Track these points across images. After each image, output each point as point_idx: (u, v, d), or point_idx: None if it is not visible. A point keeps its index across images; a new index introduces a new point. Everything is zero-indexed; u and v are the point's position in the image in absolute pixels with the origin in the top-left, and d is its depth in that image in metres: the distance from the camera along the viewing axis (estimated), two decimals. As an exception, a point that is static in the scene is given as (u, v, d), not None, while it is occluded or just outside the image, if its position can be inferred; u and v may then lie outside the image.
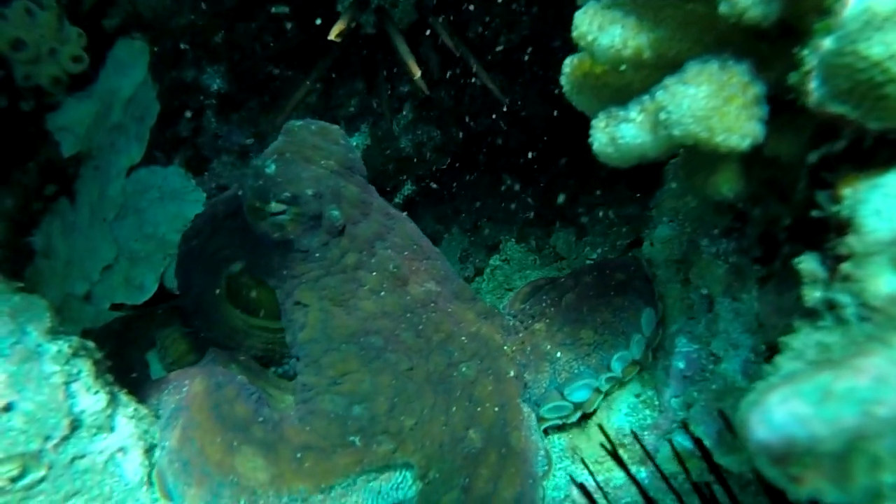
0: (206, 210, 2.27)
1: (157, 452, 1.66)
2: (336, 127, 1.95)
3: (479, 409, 1.71)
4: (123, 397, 1.71)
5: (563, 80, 1.34)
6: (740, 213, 1.64)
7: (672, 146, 1.13)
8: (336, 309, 1.78)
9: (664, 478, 1.38)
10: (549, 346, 1.84)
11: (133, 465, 1.56)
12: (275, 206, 1.72)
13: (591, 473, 1.68)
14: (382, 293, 1.81)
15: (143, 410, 1.73)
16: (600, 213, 4.93)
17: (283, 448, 1.60)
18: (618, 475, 1.79)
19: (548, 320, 1.89)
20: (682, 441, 1.71)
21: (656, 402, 1.85)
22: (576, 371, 1.83)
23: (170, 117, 2.96)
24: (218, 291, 2.05)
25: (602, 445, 1.52)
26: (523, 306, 2.03)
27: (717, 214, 1.71)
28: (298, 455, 1.59)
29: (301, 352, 1.82)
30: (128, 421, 1.62)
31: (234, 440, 1.57)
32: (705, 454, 1.34)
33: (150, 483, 1.60)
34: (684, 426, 1.55)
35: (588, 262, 4.10)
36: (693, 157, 1.26)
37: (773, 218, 1.42)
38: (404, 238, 2.03)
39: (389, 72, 3.25)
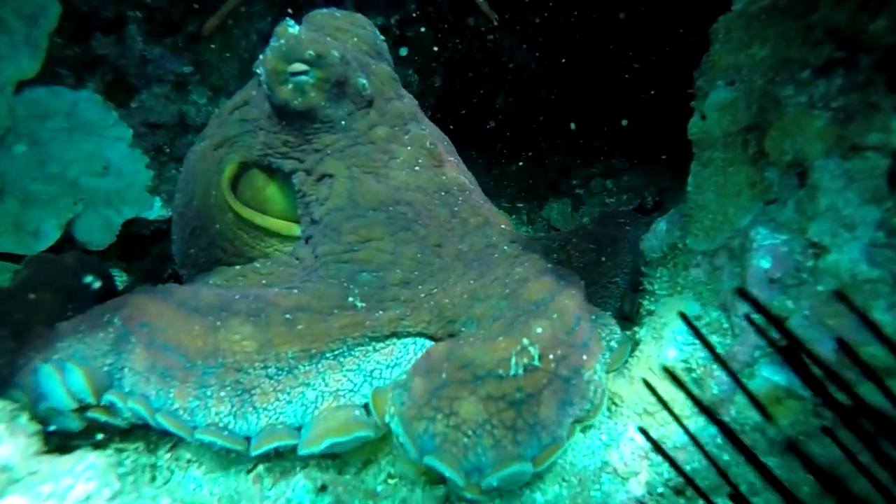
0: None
1: (114, 395, 1.35)
2: (361, 15, 1.85)
3: (523, 289, 1.38)
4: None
5: None
6: (846, 38, 1.12)
7: None
8: (366, 176, 1.60)
9: (740, 446, 0.81)
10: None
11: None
12: (297, 66, 1.57)
13: (644, 434, 1.12)
14: (417, 168, 1.64)
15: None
16: (597, 184, 4.56)
17: (273, 312, 1.39)
18: (676, 432, 1.24)
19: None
20: (771, 375, 1.17)
21: (725, 324, 1.30)
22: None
23: (80, 26, 2.38)
24: (215, 193, 1.74)
25: (648, 386, 0.96)
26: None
27: (808, 47, 1.18)
28: (288, 316, 1.38)
29: (320, 225, 1.60)
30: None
31: (216, 319, 1.38)
32: (816, 387, 0.78)
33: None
34: (788, 346, 0.92)
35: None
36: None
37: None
38: (437, 132, 1.82)
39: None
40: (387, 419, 1.28)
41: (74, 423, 1.35)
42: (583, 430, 1.35)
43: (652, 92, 4.13)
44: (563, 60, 4.21)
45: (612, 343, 1.45)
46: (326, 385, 1.35)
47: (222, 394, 1.33)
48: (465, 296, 1.43)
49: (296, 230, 1.72)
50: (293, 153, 1.68)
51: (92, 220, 2.39)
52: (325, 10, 1.82)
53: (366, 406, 1.35)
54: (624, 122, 4.12)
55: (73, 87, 2.35)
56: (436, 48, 3.63)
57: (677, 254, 1.52)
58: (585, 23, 3.97)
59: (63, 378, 1.34)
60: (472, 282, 1.44)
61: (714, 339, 1.29)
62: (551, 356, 1.24)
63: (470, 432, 1.20)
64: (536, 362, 1.22)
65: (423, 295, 1.44)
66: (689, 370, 1.29)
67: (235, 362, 1.33)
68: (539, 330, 1.26)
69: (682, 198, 1.69)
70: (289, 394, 1.33)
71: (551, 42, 3.97)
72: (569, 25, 4.02)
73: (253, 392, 1.33)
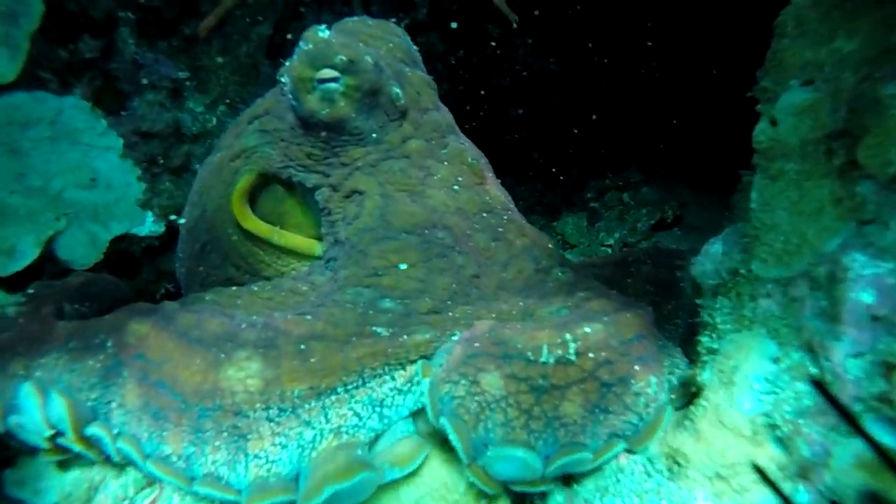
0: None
1: (102, 430, 1.27)
2: (394, 24, 1.77)
3: (587, 303, 1.34)
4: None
5: None
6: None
7: None
8: (400, 194, 1.48)
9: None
10: None
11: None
12: (326, 72, 1.45)
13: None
14: (457, 187, 1.52)
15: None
16: (612, 197, 4.40)
17: (284, 341, 1.26)
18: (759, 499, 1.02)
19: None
20: (880, 435, 0.96)
21: (813, 369, 1.09)
22: None
23: (66, 27, 2.16)
24: (228, 206, 1.61)
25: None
26: None
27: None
28: (302, 347, 1.25)
29: (346, 246, 1.47)
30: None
31: (221, 351, 1.26)
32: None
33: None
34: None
35: (603, 248, 3.65)
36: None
37: None
38: (474, 147, 1.68)
39: None
40: (424, 383, 1.25)
41: (41, 445, 1.29)
42: (632, 452, 1.25)
43: (668, 103, 4.01)
44: (578, 69, 4.06)
45: (673, 379, 1.31)
46: (328, 421, 1.22)
47: (218, 440, 1.22)
48: (514, 312, 1.32)
49: (317, 249, 1.60)
50: (318, 167, 1.55)
51: (76, 237, 2.19)
52: (356, 18, 1.72)
53: (376, 438, 1.23)
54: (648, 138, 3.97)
55: (57, 92, 2.16)
56: (447, 55, 3.46)
57: (740, 281, 1.31)
58: (601, 31, 3.83)
59: (44, 403, 1.29)
60: (521, 304, 1.35)
61: (799, 387, 1.08)
62: (591, 355, 1.19)
63: (484, 404, 1.17)
64: (571, 356, 1.19)
65: (457, 316, 1.31)
66: (772, 426, 1.08)
67: (234, 405, 1.22)
68: (588, 330, 1.22)
69: (737, 215, 1.49)
70: (286, 436, 1.21)
71: (566, 50, 3.81)
72: (584, 34, 3.87)
73: (249, 437, 1.22)
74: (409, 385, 1.27)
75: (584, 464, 1.20)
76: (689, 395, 1.23)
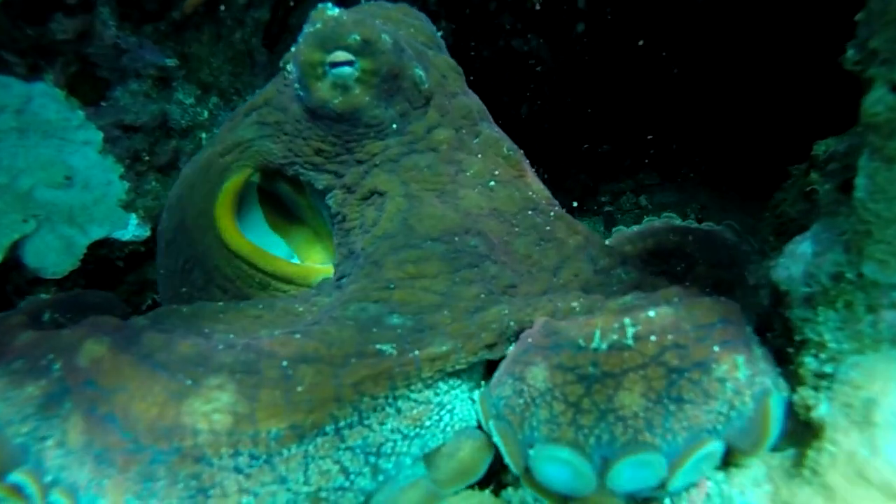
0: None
1: (28, 478, 1.03)
2: (415, 8, 1.59)
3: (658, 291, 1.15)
4: None
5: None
6: None
7: None
8: (427, 194, 1.29)
9: None
10: None
11: None
12: (339, 55, 1.28)
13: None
14: (493, 183, 1.34)
15: None
16: (628, 201, 4.21)
17: (267, 365, 1.05)
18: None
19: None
20: None
21: None
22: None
23: (35, 4, 1.87)
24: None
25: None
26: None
27: None
28: (287, 369, 1.04)
29: (360, 258, 1.26)
30: None
31: (188, 378, 1.05)
32: None
33: None
34: None
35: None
36: None
37: None
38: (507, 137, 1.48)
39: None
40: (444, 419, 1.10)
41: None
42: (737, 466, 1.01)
43: (682, 103, 3.86)
44: (590, 66, 3.90)
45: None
46: (306, 482, 0.99)
47: (171, 494, 0.99)
48: (575, 306, 1.15)
49: (314, 276, 1.39)
50: (329, 165, 1.36)
51: (47, 241, 1.94)
52: (373, 1, 1.54)
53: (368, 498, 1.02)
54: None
55: (25, 77, 1.92)
56: (457, 48, 3.23)
57: (847, 288, 1.07)
58: (616, 29, 3.67)
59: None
60: (581, 300, 1.15)
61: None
62: (654, 338, 1.00)
63: (529, 400, 1.04)
64: (629, 341, 1.01)
65: (487, 320, 1.11)
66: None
67: (196, 447, 1.00)
68: (652, 314, 1.03)
69: (824, 209, 1.26)
70: (255, 495, 0.99)
71: (580, 46, 3.63)
72: (600, 30, 3.70)
73: (210, 493, 1.00)
74: (416, 428, 1.06)
75: (656, 471, 0.96)
76: (793, 422, 0.99)
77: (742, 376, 1.00)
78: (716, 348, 1.01)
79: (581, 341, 1.03)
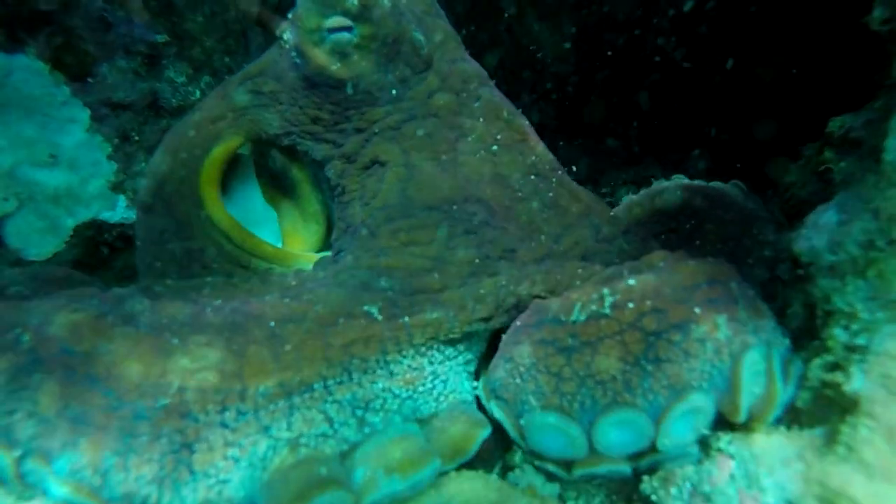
0: None
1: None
2: None
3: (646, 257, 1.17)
4: None
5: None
6: None
7: None
8: (427, 163, 1.26)
9: None
10: None
11: None
12: (337, 20, 1.25)
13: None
14: (495, 147, 1.31)
15: None
16: (627, 193, 4.12)
17: (255, 325, 1.06)
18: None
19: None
20: None
21: None
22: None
23: None
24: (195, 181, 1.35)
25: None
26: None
27: None
28: (274, 327, 1.05)
29: (357, 233, 1.26)
30: None
31: (174, 336, 1.04)
32: None
33: None
34: None
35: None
36: None
37: None
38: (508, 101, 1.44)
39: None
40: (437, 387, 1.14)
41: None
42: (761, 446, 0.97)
43: (683, 93, 3.80)
44: (592, 50, 3.83)
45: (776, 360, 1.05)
46: (288, 428, 0.99)
47: (153, 450, 0.98)
48: (575, 277, 1.16)
49: (291, 263, 1.37)
50: (327, 134, 1.32)
51: (29, 221, 1.86)
52: None
53: (342, 455, 1.01)
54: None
55: (4, 49, 1.84)
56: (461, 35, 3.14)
57: (878, 257, 1.01)
58: (617, 15, 3.61)
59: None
60: (579, 271, 1.17)
61: None
62: (631, 305, 1.04)
63: (519, 377, 1.09)
64: (606, 310, 1.05)
65: (482, 292, 1.12)
66: None
67: (182, 403, 1.00)
68: (632, 282, 1.07)
69: (847, 178, 1.21)
70: (240, 447, 0.99)
71: (581, 31, 3.57)
72: (601, 16, 3.65)
73: (195, 448, 0.99)
74: (408, 390, 1.08)
75: (641, 430, 1.00)
76: (822, 398, 0.92)
77: (722, 336, 1.01)
78: (697, 309, 1.02)
79: (562, 316, 1.08)
